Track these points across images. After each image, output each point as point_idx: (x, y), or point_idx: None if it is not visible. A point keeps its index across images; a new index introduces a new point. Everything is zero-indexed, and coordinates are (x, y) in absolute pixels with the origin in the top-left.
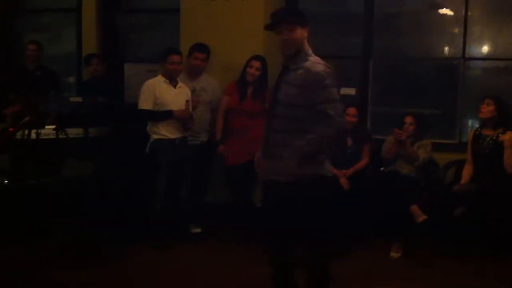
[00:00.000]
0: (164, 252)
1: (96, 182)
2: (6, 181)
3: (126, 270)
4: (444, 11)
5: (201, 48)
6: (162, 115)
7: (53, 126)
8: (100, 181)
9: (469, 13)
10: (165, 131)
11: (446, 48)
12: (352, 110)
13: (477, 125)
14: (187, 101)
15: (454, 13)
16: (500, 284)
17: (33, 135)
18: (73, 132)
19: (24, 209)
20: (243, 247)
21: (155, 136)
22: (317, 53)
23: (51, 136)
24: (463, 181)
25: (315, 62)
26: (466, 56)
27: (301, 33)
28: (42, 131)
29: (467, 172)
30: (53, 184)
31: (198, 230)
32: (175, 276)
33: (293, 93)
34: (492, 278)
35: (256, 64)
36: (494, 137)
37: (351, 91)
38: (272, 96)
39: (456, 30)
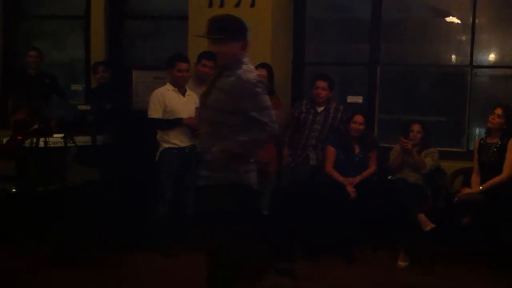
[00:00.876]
0: (170, 258)
1: (103, 188)
2: (14, 189)
3: (130, 277)
4: (452, 18)
5: (210, 55)
6: (172, 123)
7: (61, 135)
8: (107, 187)
9: (476, 21)
10: (175, 140)
11: (454, 56)
12: (359, 118)
13: (484, 133)
14: (196, 108)
15: (462, 20)
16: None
17: (41, 143)
18: (81, 139)
19: (30, 216)
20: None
21: (165, 145)
22: (324, 60)
23: (59, 144)
24: (470, 190)
25: (246, 70)
26: (474, 63)
27: (232, 46)
28: (50, 139)
29: (474, 181)
30: (60, 191)
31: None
32: (180, 283)
33: (221, 98)
34: (503, 286)
35: (262, 72)
36: (498, 145)
37: (358, 99)
38: (201, 101)
39: (463, 38)
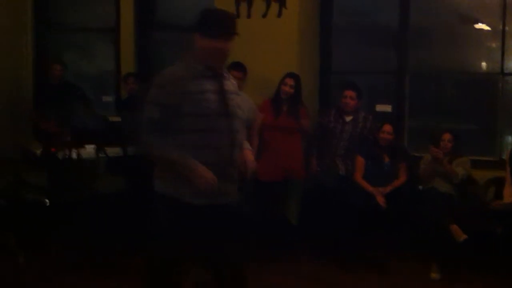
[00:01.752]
0: None
1: (132, 198)
2: (46, 200)
3: None
4: (481, 25)
5: (239, 66)
6: None
7: (93, 146)
8: (136, 197)
9: (506, 27)
10: None
11: (484, 63)
12: (388, 127)
13: None
14: None
15: (492, 27)
16: None
17: (74, 155)
18: (112, 151)
19: (61, 226)
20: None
21: None
22: (351, 69)
23: (91, 156)
24: (505, 200)
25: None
26: (505, 71)
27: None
28: (82, 150)
29: (507, 192)
30: (89, 201)
31: None
32: None
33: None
34: None
35: (290, 81)
36: None
37: (387, 108)
38: (220, 108)
39: (493, 45)
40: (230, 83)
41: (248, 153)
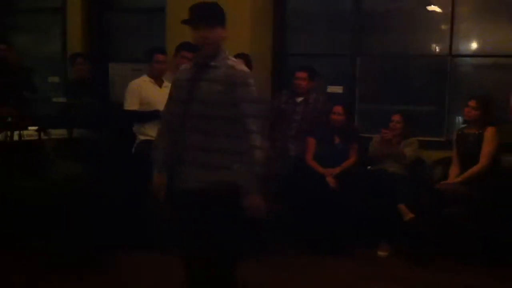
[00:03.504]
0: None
1: (82, 184)
2: None
3: (124, 277)
4: (432, 7)
5: (189, 46)
6: (149, 115)
7: (36, 128)
8: (86, 183)
9: (456, 10)
10: (152, 132)
11: (434, 45)
12: (338, 109)
13: (462, 124)
14: None
15: (442, 9)
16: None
17: (16, 137)
18: (57, 133)
19: (9, 213)
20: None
21: (142, 137)
22: (306, 51)
23: (34, 138)
24: (449, 180)
25: (237, 62)
26: (453, 53)
27: (221, 32)
28: (25, 132)
29: (453, 172)
30: (37, 186)
31: None
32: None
33: (217, 90)
34: (486, 277)
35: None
36: (477, 135)
37: (338, 89)
38: (185, 95)
39: (443, 27)
40: (221, 72)
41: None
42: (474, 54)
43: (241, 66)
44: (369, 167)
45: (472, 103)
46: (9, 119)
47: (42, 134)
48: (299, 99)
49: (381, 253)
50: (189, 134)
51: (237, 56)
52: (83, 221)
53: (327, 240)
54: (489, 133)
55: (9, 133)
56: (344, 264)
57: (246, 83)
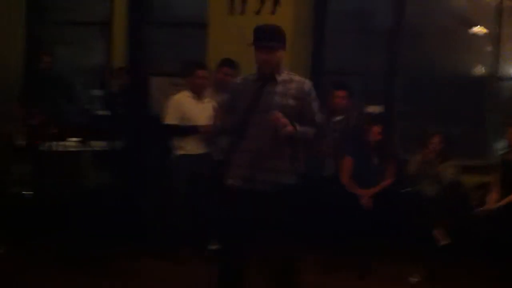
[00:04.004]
0: (179, 265)
1: (117, 193)
2: (30, 193)
3: (137, 284)
4: (477, 28)
5: (231, 63)
6: (188, 130)
7: (77, 139)
8: (121, 192)
9: (502, 31)
10: (189, 146)
11: (478, 67)
12: (377, 128)
13: (506, 148)
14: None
15: (487, 30)
16: None
17: (59, 148)
18: (98, 144)
19: (45, 220)
20: None
21: (181, 151)
22: (343, 69)
23: (75, 149)
24: (488, 206)
25: (300, 77)
26: (499, 75)
27: (281, 54)
28: (67, 143)
29: (492, 198)
30: (74, 195)
31: (216, 246)
32: None
33: (290, 104)
34: None
35: None
36: None
37: (378, 109)
38: (254, 106)
39: (488, 48)
40: (291, 86)
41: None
42: None
43: (307, 81)
44: (407, 188)
45: None
46: (54, 130)
47: (83, 145)
48: (338, 118)
49: (412, 279)
50: (260, 142)
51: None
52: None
53: (360, 262)
54: None
55: (52, 143)
56: (370, 284)
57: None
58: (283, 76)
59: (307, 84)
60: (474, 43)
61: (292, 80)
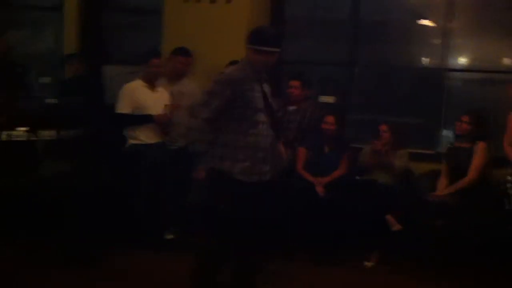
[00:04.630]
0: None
1: (70, 184)
2: None
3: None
4: (428, 21)
5: (186, 52)
6: (141, 119)
7: (25, 128)
8: (74, 183)
9: (451, 24)
10: (143, 136)
11: (429, 59)
12: (330, 118)
13: (454, 138)
14: (166, 105)
15: (437, 23)
16: None
17: (4, 137)
18: (46, 134)
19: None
20: None
21: (133, 141)
22: (303, 59)
23: (22, 138)
24: (438, 192)
25: None
26: (448, 67)
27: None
28: (13, 132)
29: (442, 184)
30: (25, 186)
31: (171, 236)
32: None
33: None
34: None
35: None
36: (468, 149)
37: (330, 99)
38: (264, 106)
39: (438, 41)
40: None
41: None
42: (468, 69)
43: None
44: (357, 177)
45: (464, 118)
46: (2, 118)
47: (31, 134)
48: (292, 108)
49: (367, 263)
50: (270, 138)
51: (231, 63)
52: (74, 219)
53: (315, 249)
54: (480, 147)
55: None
56: (332, 272)
57: None
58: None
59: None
60: (426, 36)
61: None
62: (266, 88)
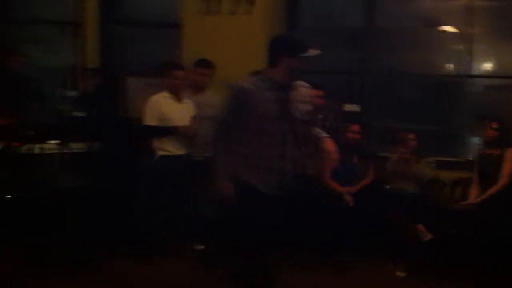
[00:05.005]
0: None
1: (92, 194)
2: (8, 196)
3: (104, 283)
4: (446, 28)
5: (207, 63)
6: (167, 131)
7: (57, 141)
8: (95, 193)
9: (473, 31)
10: (171, 147)
11: (449, 65)
12: (355, 127)
13: (482, 144)
14: (192, 116)
15: (459, 30)
16: None
17: (37, 150)
18: (76, 146)
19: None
20: None
21: (161, 152)
22: (315, 68)
23: (55, 151)
24: (469, 201)
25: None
26: (469, 73)
27: None
28: (45, 145)
29: (473, 193)
30: (50, 197)
31: (202, 247)
32: None
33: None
34: None
35: None
36: (498, 155)
37: (355, 108)
38: (280, 113)
39: (459, 47)
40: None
41: None
42: (489, 75)
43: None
44: (387, 186)
45: (493, 124)
46: (32, 133)
47: (61, 147)
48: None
49: (399, 274)
50: (288, 148)
51: (255, 74)
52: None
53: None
54: (510, 153)
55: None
56: (353, 282)
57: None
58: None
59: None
60: (446, 43)
61: (293, 84)
62: (287, 95)
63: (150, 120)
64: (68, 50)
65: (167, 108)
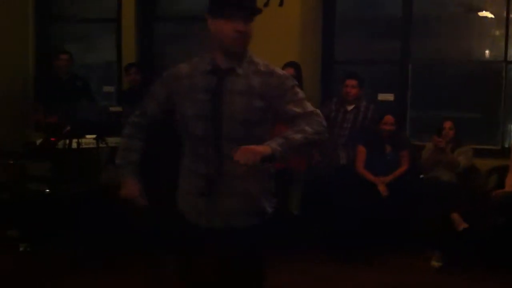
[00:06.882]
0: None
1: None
2: (47, 190)
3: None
4: (485, 13)
5: None
6: None
7: (94, 136)
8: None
9: (510, 15)
10: None
11: (487, 51)
12: (389, 119)
13: None
14: None
15: (496, 15)
16: None
17: (74, 145)
18: (113, 141)
19: (64, 217)
20: None
21: None
22: (354, 58)
23: (92, 145)
24: (506, 189)
25: (267, 64)
26: (509, 59)
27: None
28: (83, 140)
29: (510, 180)
30: (93, 192)
31: None
32: None
33: (256, 106)
34: None
35: (290, 71)
36: None
37: (389, 97)
38: (210, 111)
39: (497, 33)
40: (255, 81)
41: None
42: None
43: (278, 69)
44: (421, 175)
45: None
46: (68, 128)
47: (99, 142)
48: (350, 107)
49: (434, 264)
50: (224, 160)
51: (287, 65)
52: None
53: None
54: None
55: (67, 141)
56: (388, 273)
57: (292, 85)
58: (251, 64)
59: (279, 74)
60: (483, 29)
61: (259, 71)
62: (236, 83)
63: None
64: (107, 47)
65: None
